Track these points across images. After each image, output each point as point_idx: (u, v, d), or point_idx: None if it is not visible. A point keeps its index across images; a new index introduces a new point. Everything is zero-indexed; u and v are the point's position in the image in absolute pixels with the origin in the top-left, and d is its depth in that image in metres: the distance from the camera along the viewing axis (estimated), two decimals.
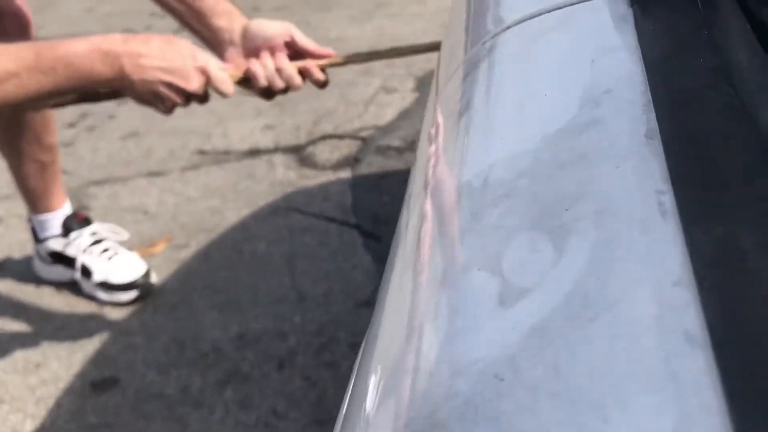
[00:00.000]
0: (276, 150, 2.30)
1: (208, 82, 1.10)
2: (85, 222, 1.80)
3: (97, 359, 1.61)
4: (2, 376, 1.59)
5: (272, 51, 1.14)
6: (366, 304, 1.64)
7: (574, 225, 0.36)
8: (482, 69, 0.57)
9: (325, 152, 2.26)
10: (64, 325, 1.71)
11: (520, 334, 0.32)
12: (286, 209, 2.01)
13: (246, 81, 1.14)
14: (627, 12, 0.53)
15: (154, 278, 1.78)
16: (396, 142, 2.27)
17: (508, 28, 0.59)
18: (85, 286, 1.76)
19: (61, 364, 1.61)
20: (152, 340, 1.64)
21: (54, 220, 1.78)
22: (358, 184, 2.09)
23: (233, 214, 2.02)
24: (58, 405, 1.52)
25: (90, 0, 3.53)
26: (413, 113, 2.42)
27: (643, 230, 0.34)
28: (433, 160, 0.53)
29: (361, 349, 0.55)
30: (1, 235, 2.04)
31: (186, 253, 1.89)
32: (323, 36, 2.68)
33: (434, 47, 1.12)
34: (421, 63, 2.56)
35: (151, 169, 2.27)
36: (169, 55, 1.06)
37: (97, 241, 1.77)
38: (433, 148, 0.56)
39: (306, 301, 1.68)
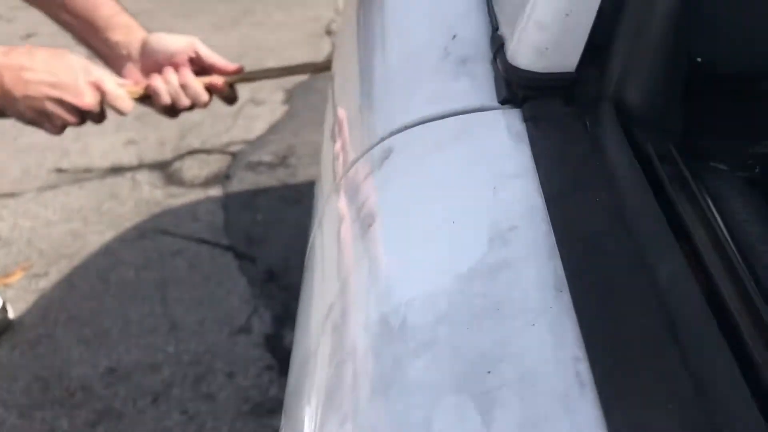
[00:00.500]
0: (140, 167, 2.21)
1: (104, 98, 1.03)
2: None
3: None
4: None
5: (176, 67, 1.08)
6: (242, 330, 1.63)
7: (498, 394, 0.38)
8: (383, 174, 0.58)
9: (193, 168, 2.20)
10: None
11: None
12: (153, 231, 1.95)
13: (147, 98, 1.08)
14: (521, 128, 0.56)
15: (11, 312, 1.67)
16: (267, 158, 2.25)
17: (406, 128, 0.60)
18: None
19: None
20: (11, 381, 1.53)
21: None
22: (229, 202, 2.06)
23: (96, 237, 1.92)
24: None
25: None
26: (283, 126, 2.40)
27: (565, 408, 0.36)
28: (342, 284, 0.52)
29: None
30: None
31: (46, 283, 1.78)
32: None
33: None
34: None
35: (3, 190, 2.12)
36: (56, 69, 0.98)
37: None
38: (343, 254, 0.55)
39: (179, 330, 1.64)
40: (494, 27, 0.66)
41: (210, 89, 1.10)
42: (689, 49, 0.56)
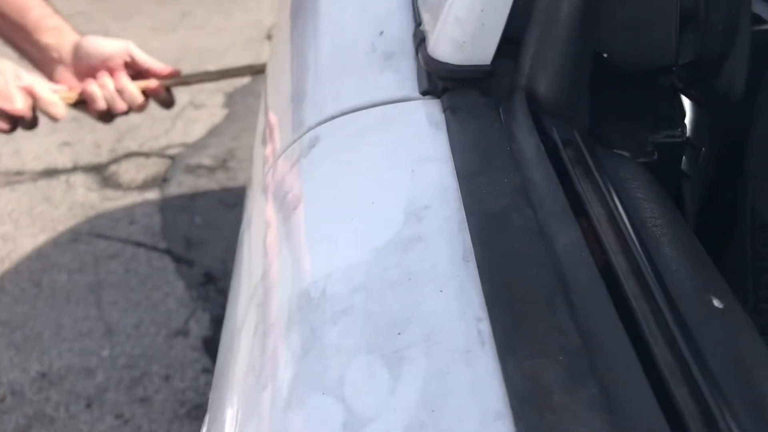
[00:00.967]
0: (75, 169, 2.18)
1: (36, 104, 1.01)
2: None
3: None
4: None
5: (111, 71, 1.06)
6: (179, 333, 1.62)
7: (406, 353, 0.40)
8: (309, 161, 0.60)
9: (130, 171, 2.18)
10: None
11: None
12: (88, 234, 1.92)
13: (82, 103, 1.06)
14: (440, 118, 0.59)
15: None
16: (206, 161, 2.24)
17: (333, 118, 0.63)
18: None
19: None
20: None
21: None
22: (167, 205, 2.04)
23: (29, 241, 1.88)
24: None
25: None
26: (223, 130, 2.39)
27: (467, 362, 0.39)
28: (267, 266, 0.54)
29: None
30: None
31: None
32: None
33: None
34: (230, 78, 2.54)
35: None
36: None
37: None
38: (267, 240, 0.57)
39: (115, 334, 1.62)
40: (417, 23, 0.69)
41: (146, 93, 1.09)
42: (595, 44, 0.60)
